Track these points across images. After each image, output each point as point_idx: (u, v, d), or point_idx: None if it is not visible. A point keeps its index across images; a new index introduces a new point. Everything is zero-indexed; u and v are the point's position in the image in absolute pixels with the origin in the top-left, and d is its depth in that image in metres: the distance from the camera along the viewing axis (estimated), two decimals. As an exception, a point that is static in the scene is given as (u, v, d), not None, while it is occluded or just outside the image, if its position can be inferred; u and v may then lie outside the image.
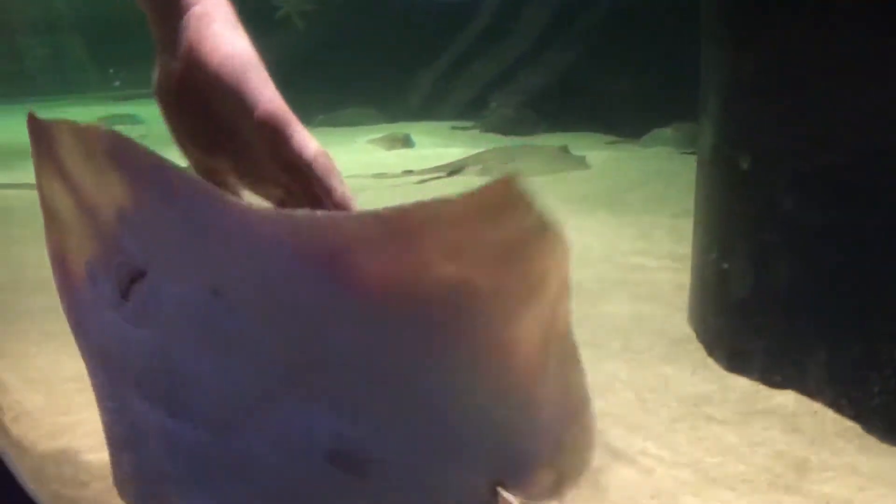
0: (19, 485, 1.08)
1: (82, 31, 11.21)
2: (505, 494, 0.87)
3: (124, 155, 0.87)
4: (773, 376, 1.93)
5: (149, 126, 8.87)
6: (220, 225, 0.81)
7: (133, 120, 9.47)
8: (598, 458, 1.61)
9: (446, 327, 0.79)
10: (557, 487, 0.94)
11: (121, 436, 1.01)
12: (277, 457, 0.86)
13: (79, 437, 1.66)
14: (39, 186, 1.03)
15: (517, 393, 0.86)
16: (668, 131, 5.76)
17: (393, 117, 8.19)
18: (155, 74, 1.12)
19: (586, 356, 2.19)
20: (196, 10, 1.06)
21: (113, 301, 0.92)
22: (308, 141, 1.05)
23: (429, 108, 8.29)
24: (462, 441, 0.85)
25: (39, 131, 0.99)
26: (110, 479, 1.12)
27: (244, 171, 1.12)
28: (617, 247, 3.20)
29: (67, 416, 1.76)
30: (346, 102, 8.34)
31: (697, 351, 2.17)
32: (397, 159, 5.66)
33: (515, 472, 0.90)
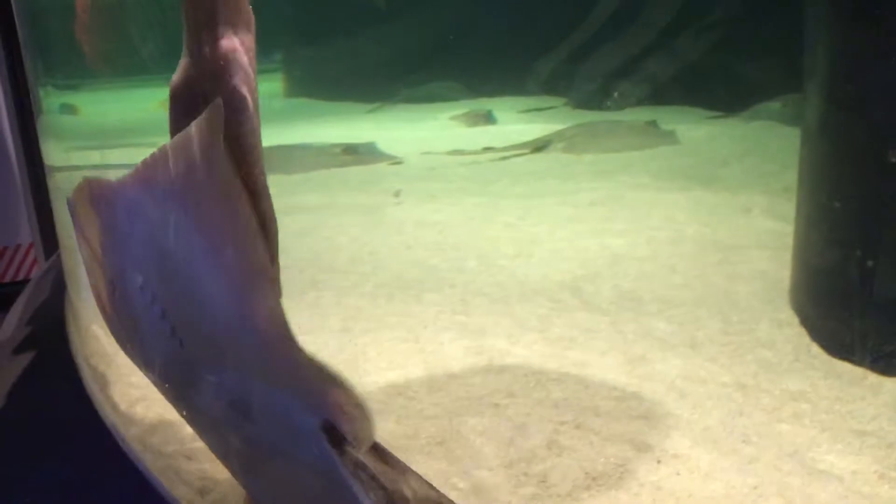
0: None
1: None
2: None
3: (94, 196, 1.15)
4: None
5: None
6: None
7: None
8: (695, 446, 1.60)
9: None
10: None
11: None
12: (211, 406, 1.13)
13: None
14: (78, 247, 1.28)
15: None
16: (775, 105, 5.50)
17: (477, 92, 8.10)
18: (177, 71, 1.15)
19: (684, 338, 2.16)
20: (224, 44, 1.07)
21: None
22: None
23: (508, 85, 8.15)
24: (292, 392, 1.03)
25: (70, 206, 1.25)
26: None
27: None
28: (712, 225, 3.11)
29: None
30: (432, 76, 8.27)
31: (800, 336, 2.09)
32: (478, 136, 5.64)
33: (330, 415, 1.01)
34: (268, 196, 1.08)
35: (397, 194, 3.78)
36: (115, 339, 1.33)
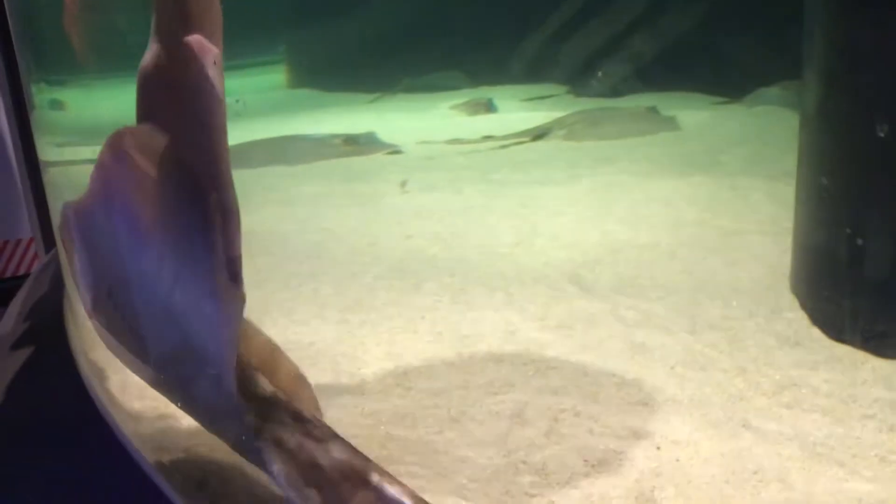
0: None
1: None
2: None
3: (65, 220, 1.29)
4: None
5: (240, 100, 9.11)
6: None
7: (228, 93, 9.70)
8: (694, 432, 1.60)
9: None
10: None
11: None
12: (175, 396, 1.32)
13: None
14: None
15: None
16: (774, 90, 5.46)
17: (478, 81, 8.05)
18: (147, 56, 1.17)
19: (684, 325, 2.15)
20: (196, 38, 1.08)
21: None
22: None
23: (510, 74, 8.11)
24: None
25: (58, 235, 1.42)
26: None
27: None
28: (712, 211, 3.10)
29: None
30: (434, 66, 8.23)
31: (801, 320, 2.08)
32: (478, 125, 5.61)
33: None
34: (231, 188, 1.09)
35: (404, 184, 3.78)
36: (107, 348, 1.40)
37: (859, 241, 1.93)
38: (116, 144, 1.15)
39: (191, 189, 1.08)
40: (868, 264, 1.92)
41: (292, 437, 1.08)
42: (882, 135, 1.82)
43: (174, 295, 1.12)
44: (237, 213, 1.08)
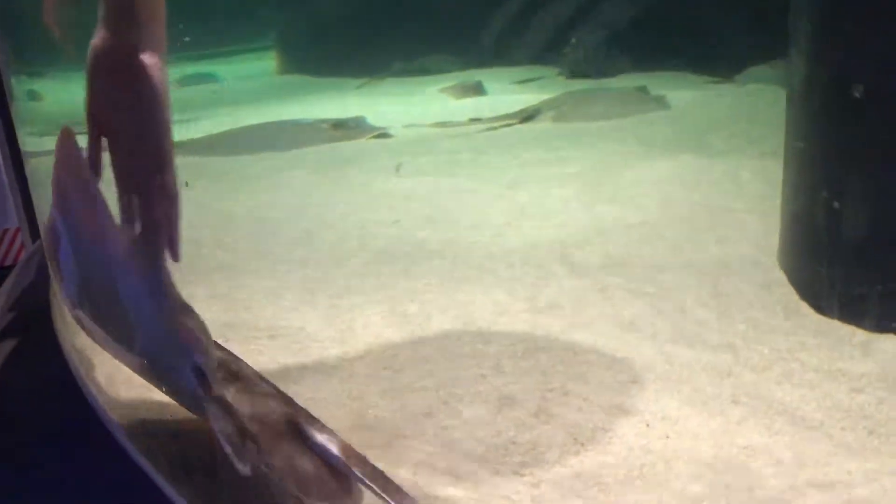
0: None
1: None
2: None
3: None
4: (892, 324, 1.84)
5: (225, 84, 9.05)
6: None
7: (212, 79, 9.65)
8: (683, 408, 1.60)
9: None
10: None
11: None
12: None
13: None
14: None
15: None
16: (765, 68, 5.43)
17: (469, 64, 8.01)
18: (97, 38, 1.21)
19: (673, 303, 2.16)
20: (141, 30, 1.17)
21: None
22: None
23: (502, 52, 8.04)
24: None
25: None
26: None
27: None
28: (701, 190, 3.09)
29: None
30: (425, 49, 8.17)
31: (789, 295, 2.08)
32: (467, 108, 5.59)
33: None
34: (172, 169, 1.19)
35: (399, 167, 3.76)
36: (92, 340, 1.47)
37: (835, 204, 1.93)
38: (65, 140, 1.21)
39: (135, 172, 1.18)
40: (843, 227, 1.93)
41: (231, 395, 1.17)
42: (857, 95, 1.81)
43: (128, 279, 1.21)
44: (178, 196, 1.19)
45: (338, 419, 1.53)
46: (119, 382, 1.73)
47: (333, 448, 1.13)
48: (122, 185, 1.20)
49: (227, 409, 1.15)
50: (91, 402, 1.68)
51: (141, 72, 1.15)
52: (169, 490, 1.32)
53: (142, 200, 1.18)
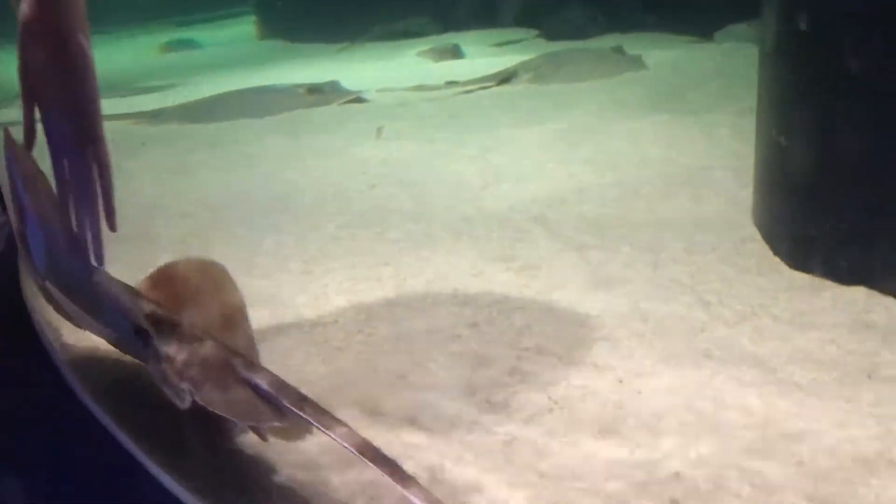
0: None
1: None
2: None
3: None
4: (840, 263, 1.84)
5: (207, 51, 8.92)
6: None
7: (193, 45, 9.52)
8: (657, 364, 1.61)
9: None
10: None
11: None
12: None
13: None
14: None
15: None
16: (743, 27, 5.39)
17: (448, 27, 7.90)
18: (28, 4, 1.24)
19: (648, 261, 2.15)
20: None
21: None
22: None
23: (481, 14, 7.94)
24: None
25: None
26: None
27: None
28: (678, 148, 3.09)
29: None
30: (405, 11, 8.05)
31: (762, 250, 2.09)
32: (445, 71, 5.53)
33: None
34: (104, 142, 1.27)
35: (379, 131, 3.73)
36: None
37: (782, 141, 1.92)
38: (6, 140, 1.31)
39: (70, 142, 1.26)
40: (790, 164, 1.92)
41: (171, 344, 1.26)
42: (803, 27, 1.79)
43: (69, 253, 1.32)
44: (109, 167, 1.29)
45: (311, 383, 1.53)
46: (88, 350, 1.72)
47: (263, 383, 1.19)
48: (55, 153, 1.26)
49: (167, 355, 1.25)
50: (59, 366, 1.66)
51: (68, 40, 1.20)
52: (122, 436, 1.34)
53: (73, 168, 1.26)
